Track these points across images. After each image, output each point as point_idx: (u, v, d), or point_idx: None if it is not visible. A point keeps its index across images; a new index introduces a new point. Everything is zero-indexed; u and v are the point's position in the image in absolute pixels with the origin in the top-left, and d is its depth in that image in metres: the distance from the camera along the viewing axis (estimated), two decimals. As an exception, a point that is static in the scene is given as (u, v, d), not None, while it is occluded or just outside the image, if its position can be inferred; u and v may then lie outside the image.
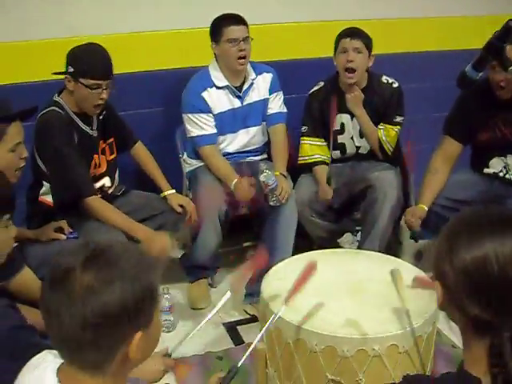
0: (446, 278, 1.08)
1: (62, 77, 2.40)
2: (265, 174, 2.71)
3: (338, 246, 3.10)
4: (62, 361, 1.06)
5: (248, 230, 3.17)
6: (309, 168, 3.00)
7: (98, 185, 2.55)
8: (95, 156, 2.53)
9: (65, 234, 2.25)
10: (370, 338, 1.69)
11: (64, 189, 2.40)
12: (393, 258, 2.22)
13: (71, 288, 0.97)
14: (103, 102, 2.41)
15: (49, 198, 2.44)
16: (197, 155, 2.95)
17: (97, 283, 0.97)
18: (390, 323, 1.75)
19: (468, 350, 1.11)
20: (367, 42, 2.85)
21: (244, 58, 2.79)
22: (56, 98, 2.44)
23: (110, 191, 2.62)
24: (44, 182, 2.43)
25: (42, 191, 2.44)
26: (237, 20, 2.78)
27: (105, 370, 1.02)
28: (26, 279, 1.81)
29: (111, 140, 2.63)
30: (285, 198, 2.75)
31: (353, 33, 2.85)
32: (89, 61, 2.37)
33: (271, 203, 2.75)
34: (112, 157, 2.64)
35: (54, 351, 1.08)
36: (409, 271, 2.03)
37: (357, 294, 1.92)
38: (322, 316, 1.77)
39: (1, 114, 1.86)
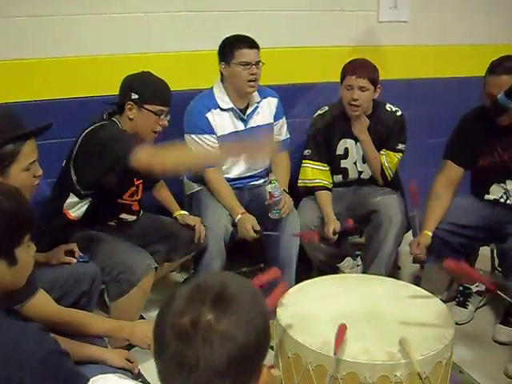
0: None
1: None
2: (272, 184, 2.72)
3: (338, 270, 3.09)
4: None
5: (250, 254, 3.14)
6: (310, 191, 3.00)
7: (121, 216, 2.57)
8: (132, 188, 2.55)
9: (75, 258, 2.20)
10: (392, 364, 1.68)
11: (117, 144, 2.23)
12: (404, 283, 2.24)
13: (209, 338, 0.93)
14: (162, 129, 2.43)
15: (72, 213, 2.40)
16: (198, 177, 2.92)
17: (234, 329, 0.95)
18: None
19: None
20: (373, 78, 2.81)
21: (255, 81, 2.77)
22: (113, 118, 2.42)
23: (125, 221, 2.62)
24: (71, 194, 2.37)
25: (66, 203, 2.38)
26: (250, 43, 2.75)
27: None
28: (41, 303, 1.74)
29: (140, 181, 2.61)
30: (285, 213, 2.76)
31: (359, 69, 2.80)
32: (155, 88, 2.41)
33: (272, 216, 2.76)
34: (139, 197, 2.64)
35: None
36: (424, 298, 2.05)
37: (374, 320, 1.91)
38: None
39: (15, 132, 1.77)
